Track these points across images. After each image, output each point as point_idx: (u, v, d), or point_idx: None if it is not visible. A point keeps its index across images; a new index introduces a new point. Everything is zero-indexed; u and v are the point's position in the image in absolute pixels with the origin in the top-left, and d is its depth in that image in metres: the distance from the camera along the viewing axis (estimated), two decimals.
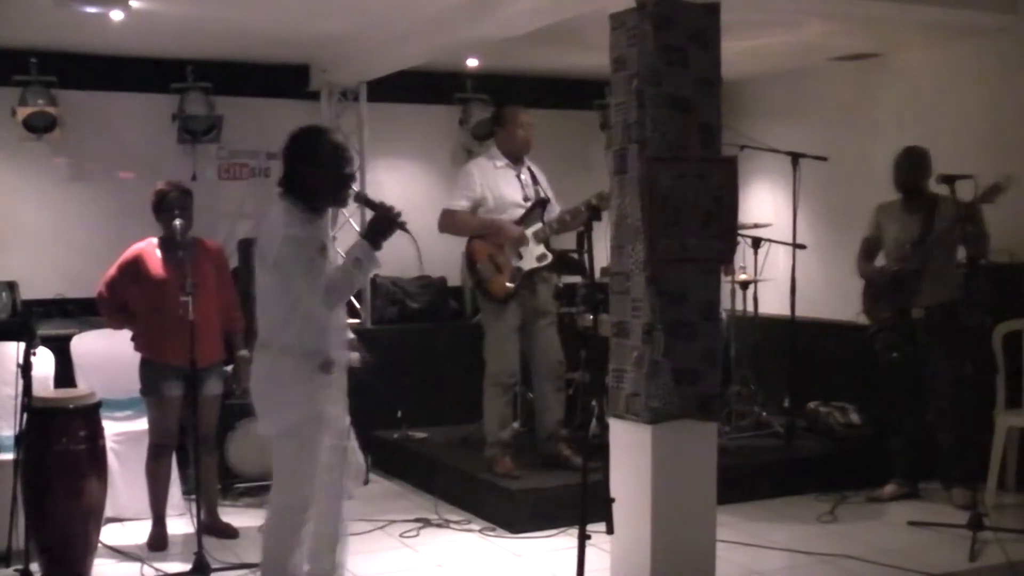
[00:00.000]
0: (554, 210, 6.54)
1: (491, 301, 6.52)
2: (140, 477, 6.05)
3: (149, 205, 5.93)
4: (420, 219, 8.96)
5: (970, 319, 6.36)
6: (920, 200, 6.51)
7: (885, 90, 8.26)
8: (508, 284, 6.43)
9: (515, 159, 6.61)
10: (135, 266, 5.86)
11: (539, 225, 6.47)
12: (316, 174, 4.36)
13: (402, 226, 4.33)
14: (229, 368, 6.20)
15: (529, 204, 6.51)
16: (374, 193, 8.69)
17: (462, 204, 6.52)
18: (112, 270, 5.94)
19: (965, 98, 7.58)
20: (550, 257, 6.48)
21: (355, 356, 4.69)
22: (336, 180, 4.40)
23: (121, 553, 5.82)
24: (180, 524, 6.18)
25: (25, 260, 7.77)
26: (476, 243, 6.51)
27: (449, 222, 6.59)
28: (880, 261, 6.76)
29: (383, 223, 4.32)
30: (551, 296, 6.67)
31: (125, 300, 5.90)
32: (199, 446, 5.84)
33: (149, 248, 5.92)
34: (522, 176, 6.60)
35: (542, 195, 6.56)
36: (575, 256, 6.68)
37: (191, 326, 5.19)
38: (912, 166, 6.53)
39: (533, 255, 6.45)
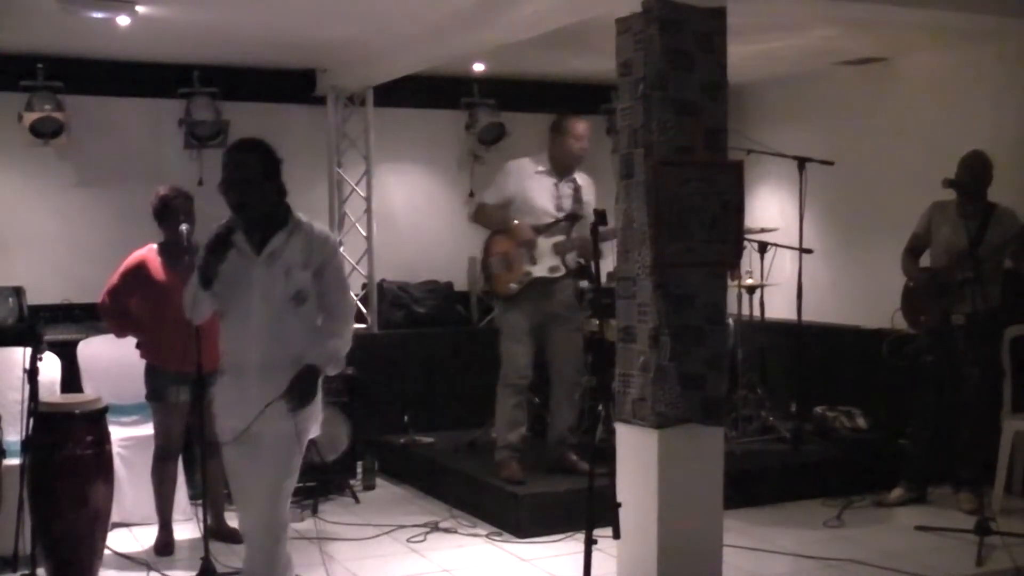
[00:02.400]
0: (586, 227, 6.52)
1: (499, 299, 6.58)
2: (147, 482, 6.05)
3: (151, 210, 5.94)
4: (426, 223, 9.11)
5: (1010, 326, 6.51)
6: (976, 205, 6.41)
7: (890, 94, 8.25)
8: (512, 285, 6.44)
9: (560, 168, 6.57)
10: (138, 273, 5.86)
11: (561, 238, 6.46)
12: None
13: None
14: None
15: (561, 215, 6.50)
16: (380, 199, 8.77)
17: (493, 198, 6.60)
18: (114, 278, 5.93)
19: (971, 102, 7.57)
20: (562, 271, 6.48)
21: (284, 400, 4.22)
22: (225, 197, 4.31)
23: (128, 558, 5.82)
24: (187, 529, 6.19)
25: (32, 265, 7.79)
26: (496, 238, 6.55)
27: (476, 212, 6.75)
28: (925, 260, 6.74)
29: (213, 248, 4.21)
30: (572, 303, 6.64)
31: (128, 308, 5.90)
32: (205, 451, 5.84)
33: (151, 255, 5.91)
34: (561, 186, 6.56)
35: (578, 211, 6.50)
36: (582, 261, 6.68)
37: (197, 331, 5.19)
38: (975, 169, 6.41)
39: (546, 264, 6.45)
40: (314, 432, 4.41)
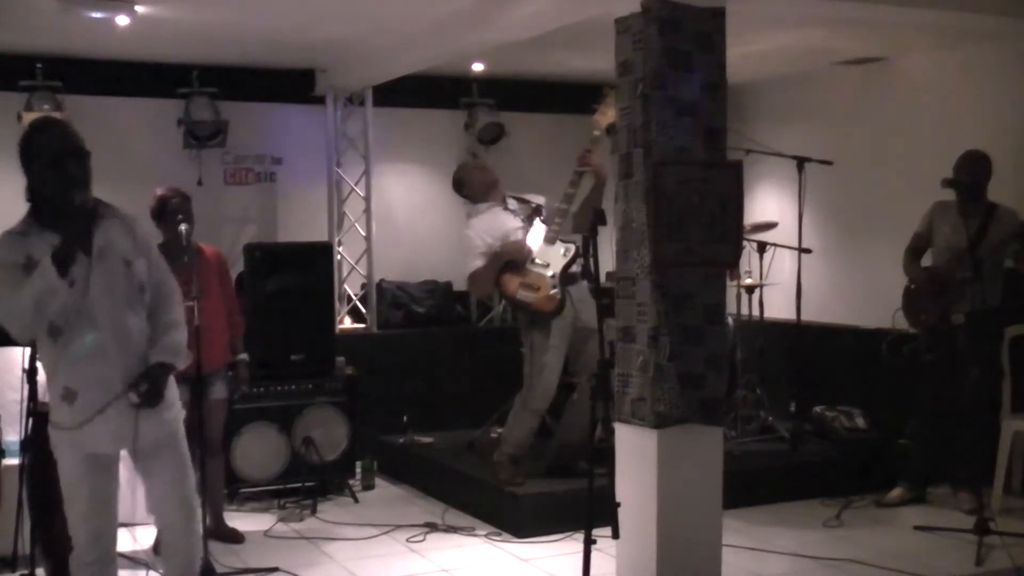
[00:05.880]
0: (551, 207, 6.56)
1: (546, 320, 6.39)
2: None
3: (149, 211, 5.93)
4: (425, 223, 9.11)
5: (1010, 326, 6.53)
6: (977, 205, 6.39)
7: (890, 94, 8.25)
8: (552, 292, 6.31)
9: (495, 197, 6.67)
10: None
11: (543, 229, 6.46)
12: (31, 175, 3.86)
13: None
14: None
15: (526, 216, 6.55)
16: (379, 198, 8.78)
17: (477, 264, 6.52)
18: None
19: (970, 102, 7.58)
20: (573, 247, 6.42)
21: (131, 395, 3.86)
22: (50, 179, 3.81)
23: (127, 558, 5.81)
24: None
25: None
26: (503, 280, 6.45)
27: (475, 283, 6.69)
28: (926, 260, 6.74)
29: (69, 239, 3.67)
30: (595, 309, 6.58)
31: None
32: (205, 451, 5.83)
33: None
34: (511, 206, 6.66)
35: (534, 202, 6.61)
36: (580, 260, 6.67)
37: (197, 330, 5.19)
38: (973, 168, 6.38)
39: (556, 255, 6.42)
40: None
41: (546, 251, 6.42)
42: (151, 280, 4.01)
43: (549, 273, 6.38)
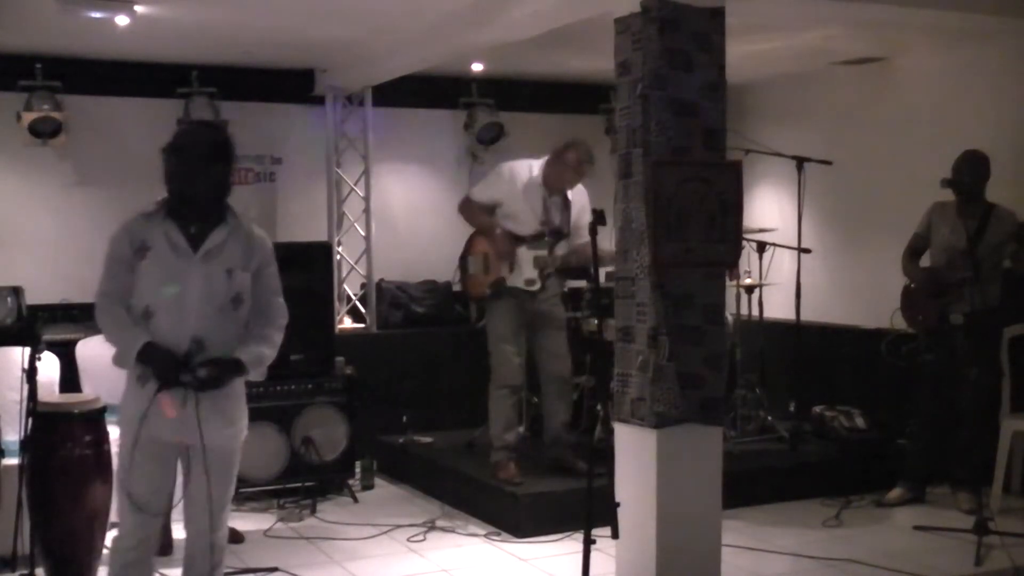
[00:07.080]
0: (575, 240, 6.47)
1: (472, 300, 6.58)
2: None
3: None
4: (425, 223, 9.11)
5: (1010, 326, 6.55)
6: (975, 205, 6.39)
7: (889, 94, 8.25)
8: (485, 290, 6.43)
9: (548, 186, 6.48)
10: None
11: (543, 252, 6.44)
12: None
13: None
14: None
15: (545, 229, 6.47)
16: (378, 198, 8.78)
17: (481, 196, 6.55)
18: None
19: (969, 102, 7.57)
20: (537, 285, 6.45)
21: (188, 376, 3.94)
22: (168, 173, 4.08)
23: None
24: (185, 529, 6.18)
25: (30, 265, 7.78)
26: (478, 238, 6.52)
27: (464, 206, 6.66)
28: (925, 260, 6.74)
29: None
30: (555, 301, 6.65)
31: None
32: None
33: None
34: (550, 199, 6.50)
35: (564, 229, 6.50)
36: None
37: None
38: (970, 170, 6.37)
39: (523, 276, 6.42)
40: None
41: (526, 263, 6.42)
42: (254, 297, 4.13)
43: (503, 275, 6.40)
